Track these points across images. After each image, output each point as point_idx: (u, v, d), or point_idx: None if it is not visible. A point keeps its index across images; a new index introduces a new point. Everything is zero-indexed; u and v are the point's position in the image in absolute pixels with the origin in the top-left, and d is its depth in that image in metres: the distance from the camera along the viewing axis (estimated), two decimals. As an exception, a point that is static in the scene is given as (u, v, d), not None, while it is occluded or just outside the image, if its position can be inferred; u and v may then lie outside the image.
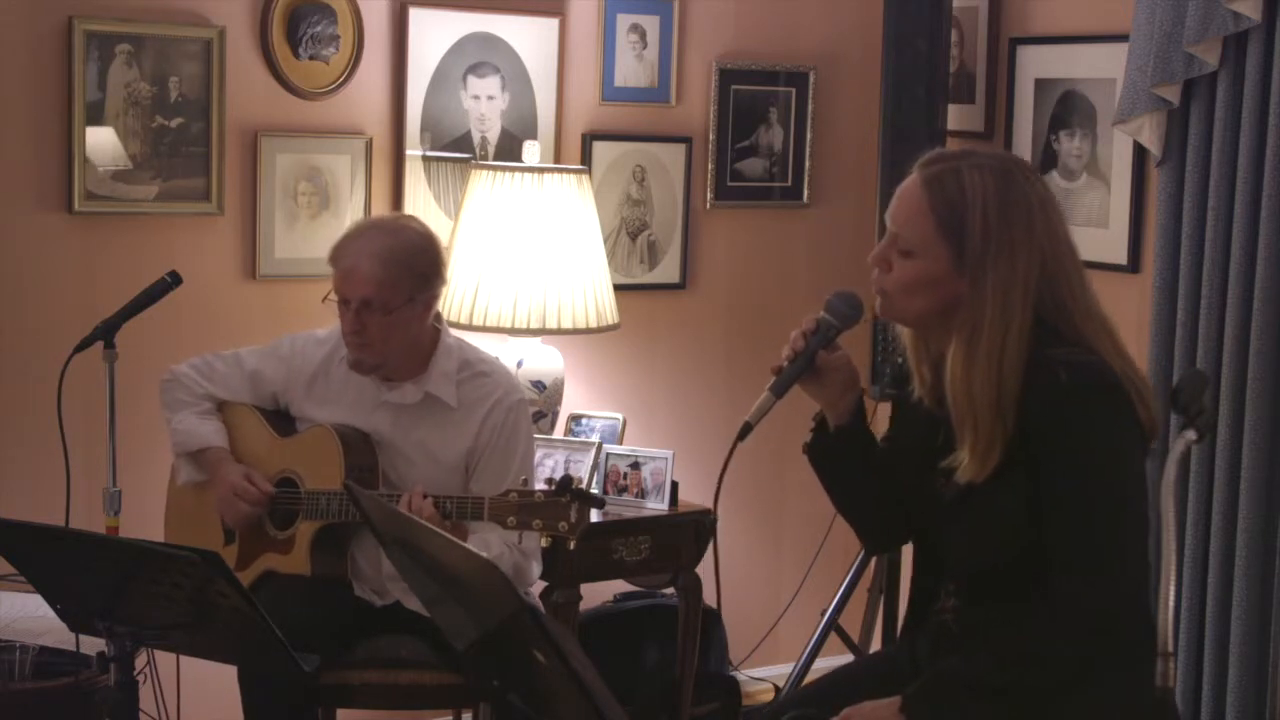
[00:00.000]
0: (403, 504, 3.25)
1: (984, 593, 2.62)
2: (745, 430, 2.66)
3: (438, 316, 3.61)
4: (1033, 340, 2.53)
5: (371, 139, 4.35)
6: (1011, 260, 2.52)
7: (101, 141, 3.99)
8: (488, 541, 3.38)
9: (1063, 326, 2.55)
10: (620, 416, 4.42)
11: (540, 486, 3.15)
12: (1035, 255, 2.53)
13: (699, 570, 4.30)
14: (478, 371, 3.57)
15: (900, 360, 2.76)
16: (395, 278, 3.43)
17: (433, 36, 4.40)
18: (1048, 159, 4.67)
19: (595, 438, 4.31)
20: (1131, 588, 2.53)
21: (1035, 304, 2.54)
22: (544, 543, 3.47)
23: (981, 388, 2.52)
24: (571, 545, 3.14)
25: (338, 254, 3.49)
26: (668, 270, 4.85)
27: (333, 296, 3.49)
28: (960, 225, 2.53)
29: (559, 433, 4.35)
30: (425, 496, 3.27)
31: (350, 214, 4.25)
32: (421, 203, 4.41)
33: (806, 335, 2.70)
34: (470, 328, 4.13)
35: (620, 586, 4.58)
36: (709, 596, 4.44)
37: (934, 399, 2.67)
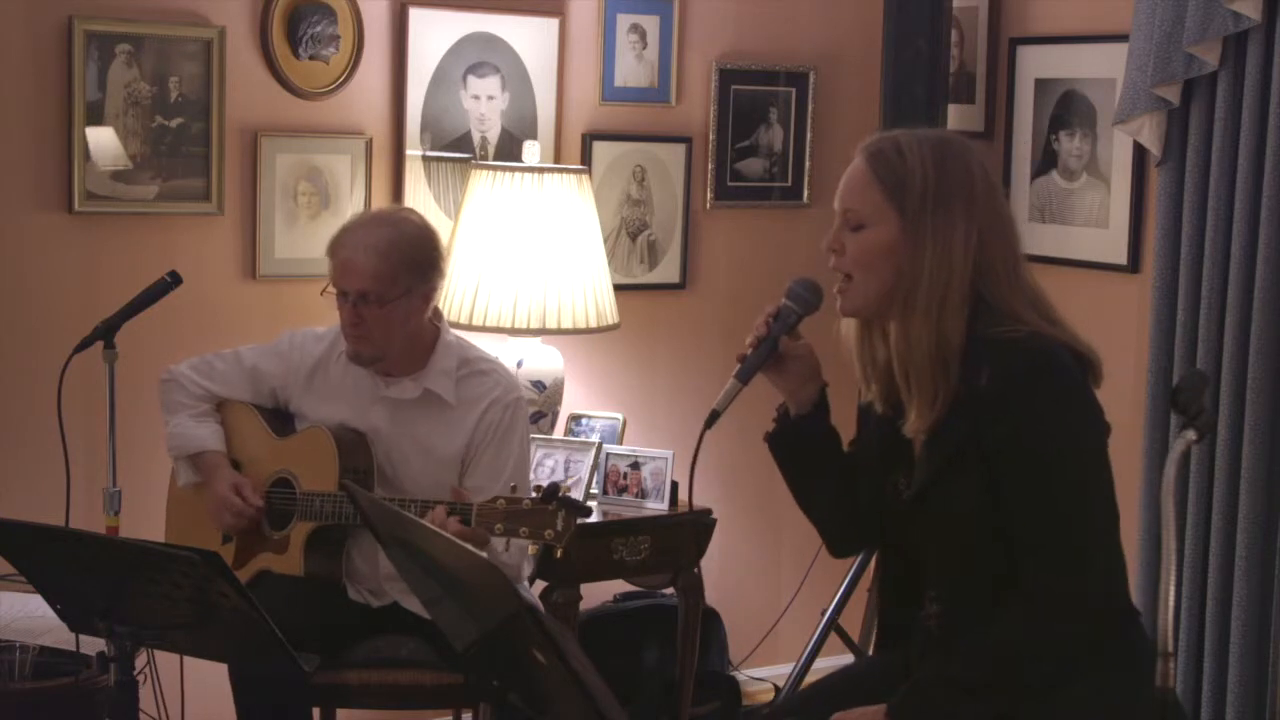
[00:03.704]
0: (435, 524, 3.17)
1: (964, 596, 2.60)
2: (712, 418, 2.67)
3: (438, 314, 3.61)
4: (973, 320, 2.53)
5: (371, 139, 4.36)
6: (950, 218, 2.53)
7: (102, 141, 4.00)
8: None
9: (998, 304, 2.54)
10: (620, 416, 4.42)
11: (530, 495, 3.14)
12: (974, 222, 2.54)
13: (699, 570, 4.31)
14: (477, 370, 3.56)
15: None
16: (392, 270, 3.43)
17: (433, 36, 4.40)
18: (1048, 159, 4.67)
19: (595, 438, 4.31)
20: (1103, 580, 2.52)
21: (974, 278, 2.53)
22: (532, 550, 3.46)
23: (918, 342, 2.53)
24: (558, 553, 3.13)
25: (336, 246, 3.49)
26: (668, 270, 4.85)
27: (331, 289, 3.50)
28: (902, 186, 2.55)
29: (559, 433, 4.35)
30: (449, 514, 3.22)
31: (350, 214, 4.24)
32: (421, 203, 4.40)
33: (769, 321, 2.71)
34: (470, 328, 4.12)
35: (620, 586, 4.58)
36: (709, 596, 4.44)
37: (887, 403, 2.67)
